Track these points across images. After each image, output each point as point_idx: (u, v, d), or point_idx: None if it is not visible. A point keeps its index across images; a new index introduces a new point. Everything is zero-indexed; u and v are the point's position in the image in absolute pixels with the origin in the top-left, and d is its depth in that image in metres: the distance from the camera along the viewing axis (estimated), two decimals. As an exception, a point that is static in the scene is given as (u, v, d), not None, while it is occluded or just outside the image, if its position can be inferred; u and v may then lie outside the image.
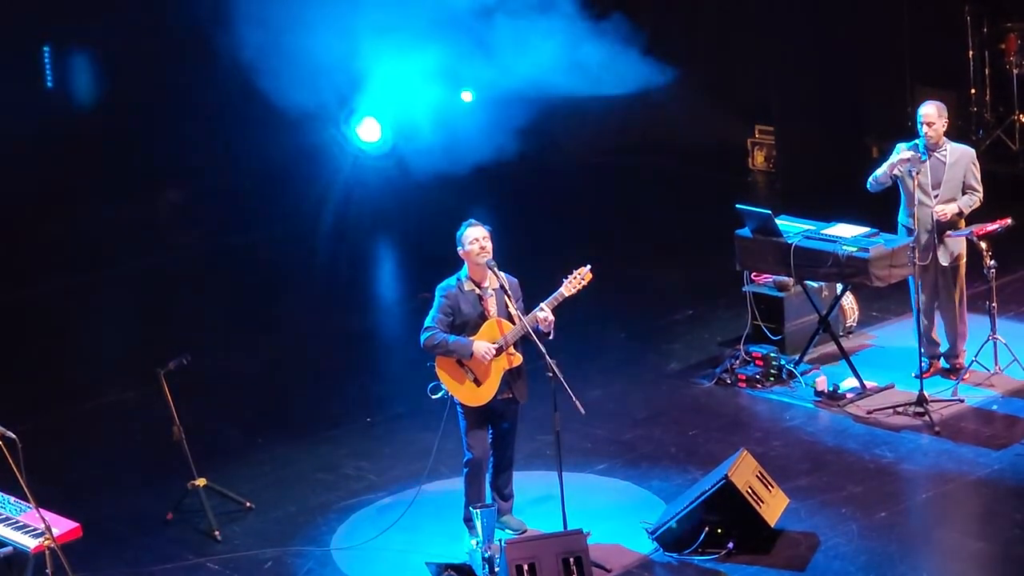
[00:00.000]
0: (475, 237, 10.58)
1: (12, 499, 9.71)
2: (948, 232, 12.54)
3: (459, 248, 10.66)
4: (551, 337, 10.59)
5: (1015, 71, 17.93)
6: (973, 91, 18.27)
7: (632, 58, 21.27)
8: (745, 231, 13.28)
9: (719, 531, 10.45)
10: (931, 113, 12.50)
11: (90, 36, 19.13)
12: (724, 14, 20.70)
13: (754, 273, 13.67)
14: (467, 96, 21.37)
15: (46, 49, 19.38)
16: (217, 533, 11.26)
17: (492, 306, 10.66)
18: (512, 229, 17.51)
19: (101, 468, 12.61)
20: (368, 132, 20.02)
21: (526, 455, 11.21)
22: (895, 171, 12.53)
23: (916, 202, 12.42)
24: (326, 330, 15.39)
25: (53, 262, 17.88)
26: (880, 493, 11.26)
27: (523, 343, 10.67)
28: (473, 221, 10.72)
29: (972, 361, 12.77)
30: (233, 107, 19.22)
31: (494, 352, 10.53)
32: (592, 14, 21.24)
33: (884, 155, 13.04)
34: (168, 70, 18.99)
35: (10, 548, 9.50)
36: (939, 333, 12.98)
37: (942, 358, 13.01)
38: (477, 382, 10.59)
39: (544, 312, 10.50)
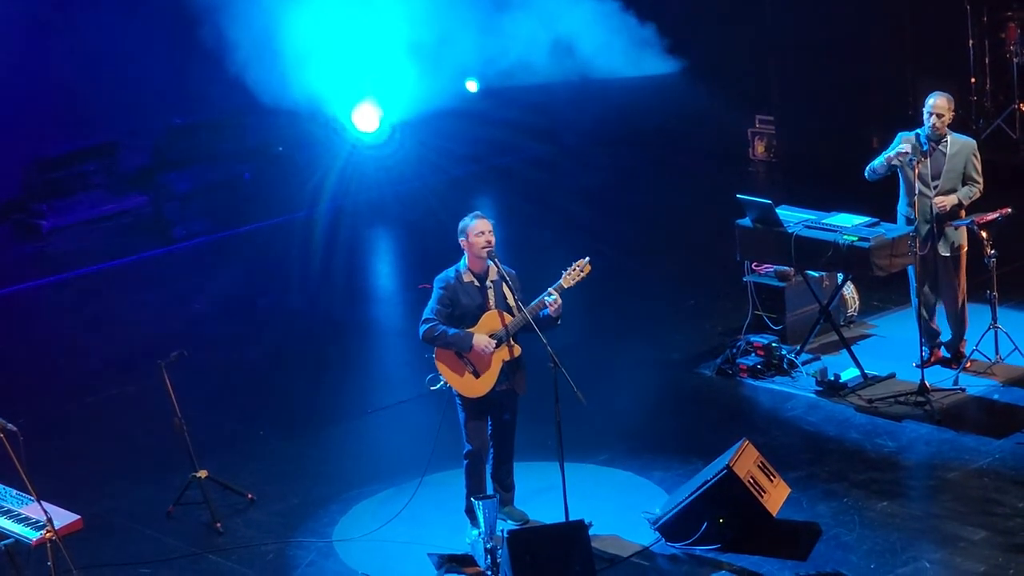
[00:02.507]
0: (482, 230, 10.55)
1: (14, 492, 9.71)
2: (949, 222, 12.53)
3: (461, 239, 10.64)
4: (559, 323, 10.58)
5: (1015, 60, 17.91)
6: (973, 80, 18.26)
7: (634, 43, 21.29)
8: (746, 221, 13.28)
9: (721, 521, 10.45)
10: (942, 104, 12.46)
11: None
12: (725, 4, 20.69)
13: (755, 263, 13.67)
14: (472, 86, 21.37)
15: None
16: (219, 525, 11.26)
17: (492, 297, 10.65)
18: (510, 220, 17.55)
19: (102, 461, 12.62)
20: (366, 121, 20.00)
21: (527, 446, 11.21)
22: (894, 162, 12.52)
23: (916, 192, 12.41)
24: (326, 321, 15.40)
25: (52, 257, 17.90)
26: (882, 482, 11.26)
27: (523, 334, 10.66)
28: (479, 213, 10.70)
29: (973, 350, 12.78)
30: (228, 96, 19.24)
31: (494, 345, 10.52)
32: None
33: (884, 145, 13.02)
34: (160, 63, 19.00)
35: (12, 540, 9.51)
36: (940, 322, 12.98)
37: (943, 347, 13.01)
38: (476, 374, 10.59)
39: (553, 295, 10.48)
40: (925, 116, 12.53)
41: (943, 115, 12.45)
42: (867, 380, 12.73)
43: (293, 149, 20.14)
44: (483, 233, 10.55)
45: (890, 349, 13.34)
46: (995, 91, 18.33)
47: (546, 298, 10.50)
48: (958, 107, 15.99)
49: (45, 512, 9.24)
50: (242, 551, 11.01)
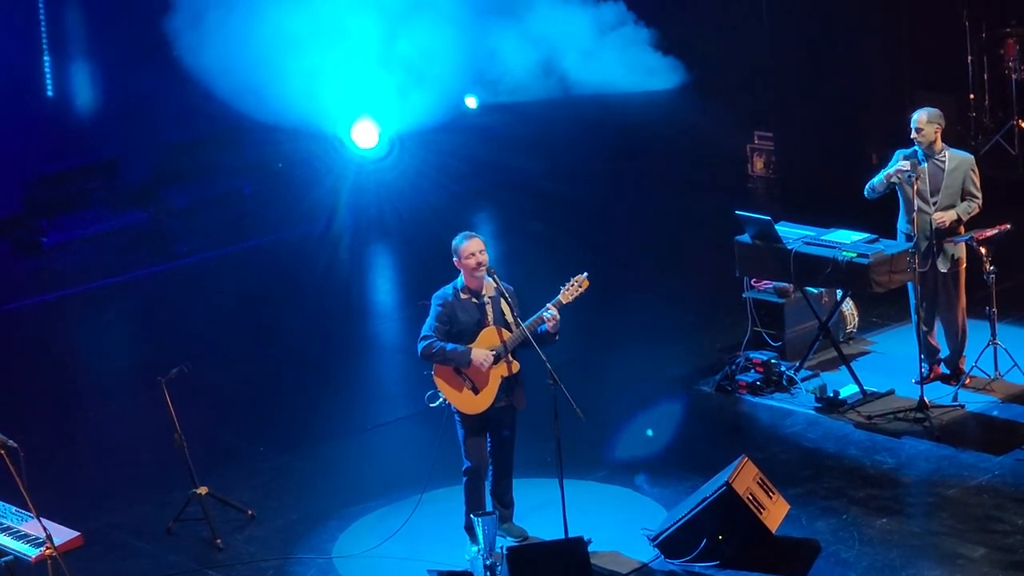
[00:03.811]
0: (472, 251, 10.55)
1: (14, 508, 9.71)
2: (948, 238, 12.55)
3: (455, 258, 10.65)
4: (558, 339, 10.58)
5: (1014, 76, 17.93)
6: (972, 96, 18.27)
7: (634, 59, 21.32)
8: (745, 237, 13.29)
9: (720, 538, 10.45)
10: (920, 119, 12.49)
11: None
12: (724, 20, 20.73)
13: (754, 279, 13.68)
14: (471, 102, 21.40)
15: (47, 59, 19.43)
16: (219, 541, 11.26)
17: (490, 313, 10.66)
18: (509, 235, 17.57)
19: (102, 477, 12.62)
20: (365, 137, 20.02)
21: (526, 462, 11.21)
22: (893, 179, 12.54)
23: (915, 208, 12.42)
24: (326, 337, 15.40)
25: (53, 273, 17.91)
26: (881, 499, 11.26)
27: (522, 350, 10.67)
28: (469, 233, 10.69)
29: (972, 366, 12.78)
30: (227, 113, 19.25)
31: (492, 360, 10.53)
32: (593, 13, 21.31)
33: (883, 161, 13.04)
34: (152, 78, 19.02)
35: (11, 557, 9.50)
36: (939, 339, 12.98)
37: (942, 363, 13.01)
38: (475, 390, 10.59)
39: (552, 311, 10.48)
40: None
41: (922, 129, 12.45)
42: (866, 396, 12.74)
43: (293, 165, 20.15)
44: (473, 254, 10.55)
45: (889, 365, 13.34)
46: (994, 107, 18.35)
47: (544, 314, 10.51)
48: (956, 123, 16.01)
49: (45, 529, 9.24)
50: (242, 567, 11.01)
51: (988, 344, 12.68)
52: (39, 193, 18.68)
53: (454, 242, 10.64)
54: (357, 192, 19.50)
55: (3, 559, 9.54)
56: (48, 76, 19.35)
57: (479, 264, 10.53)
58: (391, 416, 13.32)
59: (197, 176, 19.64)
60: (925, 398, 12.29)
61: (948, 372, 12.97)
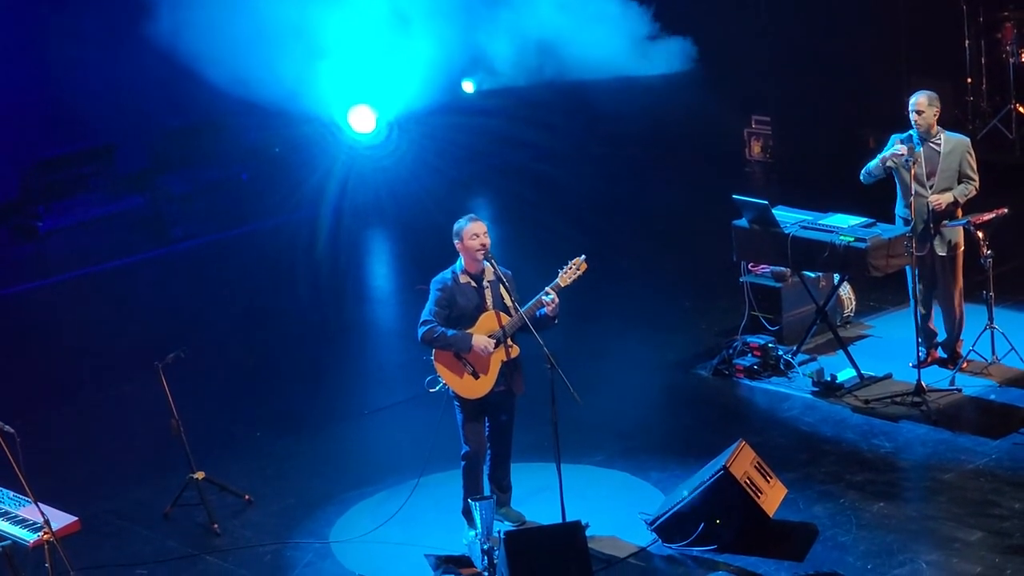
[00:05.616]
0: (476, 233, 10.55)
1: (11, 493, 9.71)
2: (945, 222, 12.54)
3: (456, 241, 10.64)
4: (557, 322, 10.58)
5: (1011, 60, 17.92)
6: (970, 80, 18.27)
7: (632, 43, 21.30)
8: (742, 222, 13.28)
9: (717, 522, 10.46)
10: (920, 101, 12.48)
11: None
12: (722, 4, 20.71)
13: (751, 263, 13.68)
14: (468, 87, 21.38)
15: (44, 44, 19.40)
16: (216, 526, 11.27)
17: (489, 298, 10.65)
18: (506, 220, 17.56)
19: (100, 462, 12.62)
20: (362, 122, 20.01)
21: (524, 447, 11.21)
22: (888, 163, 12.54)
23: (912, 192, 12.41)
24: (323, 322, 15.40)
25: (49, 258, 17.90)
26: (878, 483, 11.27)
27: (520, 334, 10.66)
28: (473, 216, 10.69)
29: (969, 350, 12.78)
30: (225, 98, 19.23)
31: (493, 345, 10.53)
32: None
33: (880, 145, 13.03)
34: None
35: (9, 542, 9.51)
36: (936, 322, 12.99)
37: (939, 347, 13.02)
38: (475, 375, 10.59)
39: (551, 295, 10.48)
40: (910, 115, 12.55)
41: (923, 112, 12.44)
42: (863, 380, 12.74)
43: (290, 150, 20.15)
44: (477, 236, 10.55)
45: (886, 349, 13.35)
46: (991, 91, 18.35)
47: (543, 297, 10.50)
48: (954, 107, 15.97)
49: (42, 514, 9.24)
50: (239, 552, 11.01)
51: (985, 328, 12.68)
52: (36, 178, 18.67)
53: (456, 225, 10.63)
54: (354, 177, 19.48)
55: (1, 544, 9.54)
56: (45, 61, 19.32)
57: (483, 246, 10.53)
58: (388, 401, 13.32)
59: (195, 161, 19.63)
60: (922, 382, 12.30)
61: (945, 356, 12.98)
